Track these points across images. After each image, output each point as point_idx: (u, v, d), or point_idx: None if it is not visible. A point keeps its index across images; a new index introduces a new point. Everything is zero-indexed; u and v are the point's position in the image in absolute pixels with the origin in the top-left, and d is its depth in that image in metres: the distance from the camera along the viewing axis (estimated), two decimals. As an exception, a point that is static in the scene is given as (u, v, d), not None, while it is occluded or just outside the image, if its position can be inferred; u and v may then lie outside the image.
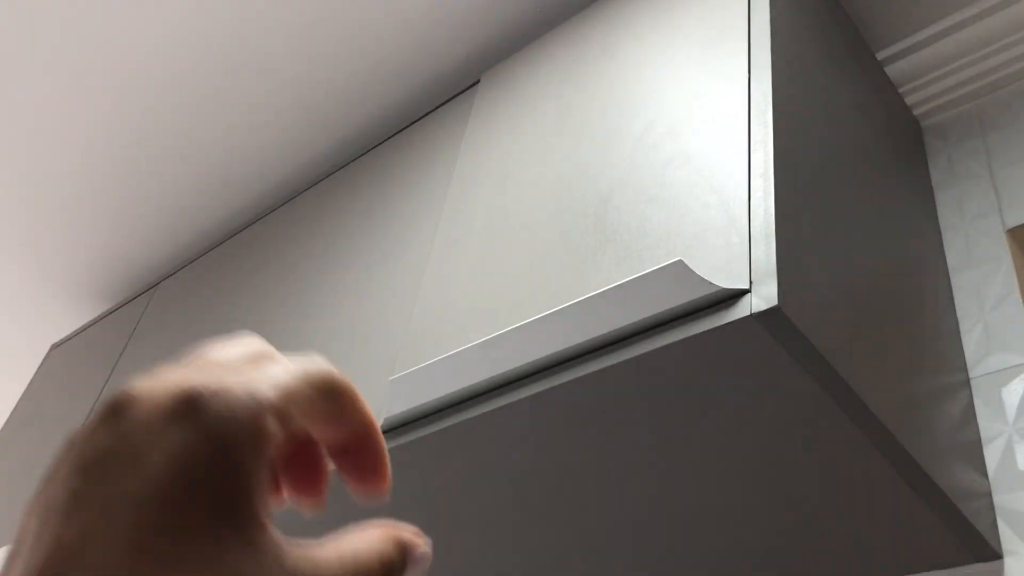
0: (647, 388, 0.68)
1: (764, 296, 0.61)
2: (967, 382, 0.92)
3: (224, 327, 1.28)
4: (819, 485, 0.73)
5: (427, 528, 0.90)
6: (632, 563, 0.89)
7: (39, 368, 1.80)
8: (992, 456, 0.86)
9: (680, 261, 0.65)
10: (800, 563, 0.84)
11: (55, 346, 1.82)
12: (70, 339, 1.78)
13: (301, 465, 0.24)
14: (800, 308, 0.63)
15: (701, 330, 0.63)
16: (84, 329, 1.76)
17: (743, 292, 0.63)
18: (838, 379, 0.65)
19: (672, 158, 0.79)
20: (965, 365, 0.94)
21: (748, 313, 0.61)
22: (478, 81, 1.21)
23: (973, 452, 0.85)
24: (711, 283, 0.63)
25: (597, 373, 0.68)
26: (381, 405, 0.87)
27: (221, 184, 1.56)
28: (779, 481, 0.74)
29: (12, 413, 1.73)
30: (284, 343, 1.11)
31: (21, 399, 1.74)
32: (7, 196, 1.67)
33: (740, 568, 0.86)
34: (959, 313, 0.98)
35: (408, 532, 0.22)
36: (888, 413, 0.69)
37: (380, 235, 1.11)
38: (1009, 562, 0.79)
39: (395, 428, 0.83)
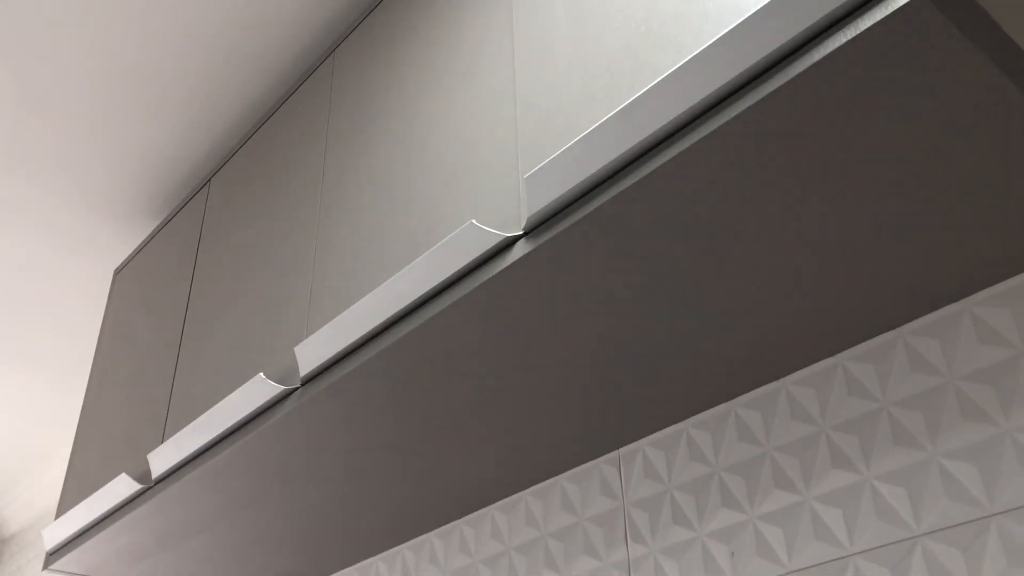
0: (818, 105, 0.66)
1: (932, -28, 0.59)
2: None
3: (298, 200, 1.26)
4: (989, 168, 0.73)
5: (580, 317, 0.91)
6: (805, 284, 0.90)
7: (110, 295, 1.80)
8: None
9: (832, -40, 0.62)
10: (964, 251, 0.84)
11: (118, 271, 1.81)
12: (132, 260, 1.77)
13: None
14: (967, -22, 0.60)
15: (870, 24, 0.60)
16: (144, 246, 1.74)
17: (907, -26, 0.60)
18: (1014, 48, 0.63)
19: None
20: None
21: (920, -8, 0.58)
22: None
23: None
24: (871, -27, 0.61)
25: (757, 104, 0.66)
26: (519, 208, 0.86)
27: (245, 59, 1.51)
28: (949, 172, 0.73)
29: (99, 343, 1.73)
30: (380, 192, 1.09)
31: (103, 328, 1.75)
32: (34, 132, 1.63)
33: (897, 272, 0.87)
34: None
35: None
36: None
37: (454, 54, 1.07)
38: None
39: (539, 225, 0.82)
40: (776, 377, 1.03)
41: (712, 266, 0.84)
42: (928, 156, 0.71)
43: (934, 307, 0.91)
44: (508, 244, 0.85)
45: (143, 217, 1.84)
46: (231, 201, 1.47)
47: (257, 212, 1.36)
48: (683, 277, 0.85)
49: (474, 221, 0.86)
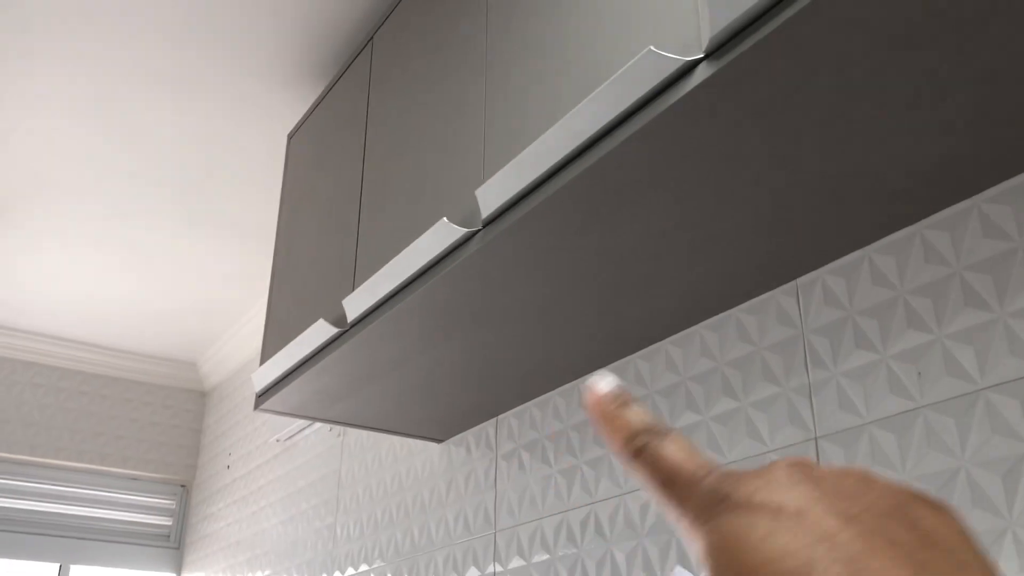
0: None
1: None
2: None
3: (465, 42, 1.27)
4: None
5: (763, 142, 0.90)
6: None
7: (286, 158, 1.90)
8: None
9: None
10: None
11: (292, 135, 1.90)
12: (304, 123, 1.85)
13: None
14: None
15: None
16: (314, 109, 1.81)
17: None
18: None
19: None
20: None
21: None
22: None
23: None
24: None
25: None
26: (699, 31, 0.85)
27: (400, -86, 1.50)
28: None
29: (281, 204, 1.85)
30: (549, 26, 1.09)
31: (284, 189, 1.86)
32: (201, 5, 1.69)
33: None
34: None
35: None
36: None
37: None
38: None
39: (722, 46, 0.81)
40: (966, 196, 1.00)
41: (917, 78, 0.80)
42: None
43: None
44: (689, 68, 0.84)
45: (311, 81, 1.91)
46: (397, 53, 1.50)
47: (424, 61, 1.39)
48: (876, 93, 0.82)
49: (652, 47, 0.86)
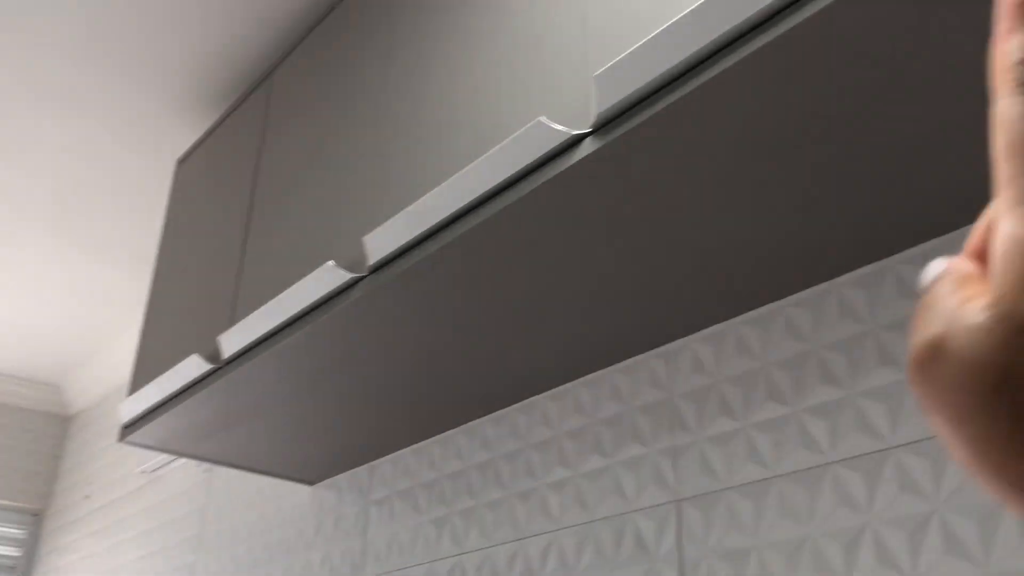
0: (893, 10, 0.67)
1: None
2: None
3: (363, 92, 1.29)
4: None
5: (643, 216, 0.94)
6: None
7: (173, 184, 1.86)
8: None
9: None
10: None
11: (181, 161, 1.86)
12: (195, 150, 1.82)
13: None
14: None
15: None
16: (207, 137, 1.78)
17: None
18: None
19: None
20: None
21: None
22: None
23: None
24: None
25: (832, 5, 0.68)
26: (587, 107, 0.89)
27: (309, -45, 1.51)
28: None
29: (164, 230, 1.80)
30: (447, 86, 1.12)
31: (168, 216, 1.81)
32: (99, 20, 1.66)
33: (959, 190, 0.88)
34: None
35: None
36: None
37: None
38: None
39: (608, 123, 0.85)
40: (827, 278, 1.06)
41: (777, 169, 0.86)
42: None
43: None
44: (576, 141, 0.87)
45: (205, 108, 1.88)
46: (296, 92, 1.50)
47: (322, 103, 1.40)
48: (747, 178, 0.87)
49: (543, 118, 0.89)
